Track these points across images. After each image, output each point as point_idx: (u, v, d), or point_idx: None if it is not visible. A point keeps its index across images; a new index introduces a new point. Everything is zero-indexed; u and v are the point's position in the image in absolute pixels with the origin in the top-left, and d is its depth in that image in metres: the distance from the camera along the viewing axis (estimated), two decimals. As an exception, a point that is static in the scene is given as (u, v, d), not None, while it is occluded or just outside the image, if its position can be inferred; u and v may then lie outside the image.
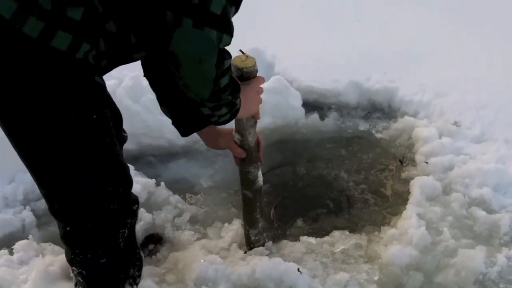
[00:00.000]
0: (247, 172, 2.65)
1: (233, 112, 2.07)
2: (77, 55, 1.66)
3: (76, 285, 2.32)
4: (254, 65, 2.34)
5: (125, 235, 2.14)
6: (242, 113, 2.18)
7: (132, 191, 2.16)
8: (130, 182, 2.11)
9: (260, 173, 2.70)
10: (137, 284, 2.32)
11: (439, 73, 4.43)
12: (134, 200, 2.16)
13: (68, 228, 2.08)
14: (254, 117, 2.47)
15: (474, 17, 5.33)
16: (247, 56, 2.35)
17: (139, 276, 2.34)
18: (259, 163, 2.67)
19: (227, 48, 1.81)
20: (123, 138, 2.59)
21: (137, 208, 2.18)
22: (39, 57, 1.63)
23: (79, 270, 2.20)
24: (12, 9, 1.55)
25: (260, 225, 2.87)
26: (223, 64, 1.79)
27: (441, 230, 2.95)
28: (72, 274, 2.31)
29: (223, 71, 1.81)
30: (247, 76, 2.32)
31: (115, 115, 2.43)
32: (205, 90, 1.83)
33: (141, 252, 2.35)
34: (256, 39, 4.80)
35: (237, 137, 2.52)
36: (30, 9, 1.56)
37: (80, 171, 1.89)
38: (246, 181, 2.70)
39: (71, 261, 2.19)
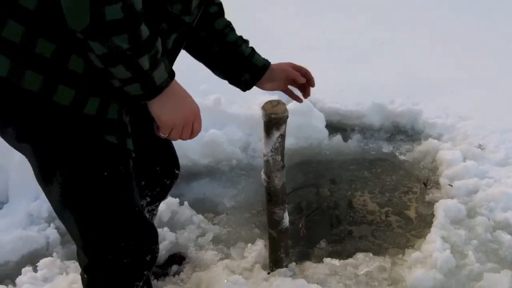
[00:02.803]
0: (272, 212, 2.68)
1: (145, 84, 1.57)
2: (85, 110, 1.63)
3: None
4: (284, 111, 2.33)
5: (139, 286, 2.09)
6: (158, 107, 1.68)
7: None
8: (145, 237, 2.01)
9: (286, 215, 2.72)
10: None
11: (463, 96, 4.43)
12: (151, 251, 2.05)
13: (84, 276, 2.06)
14: (282, 162, 2.51)
15: (497, 42, 5.34)
16: (278, 102, 2.35)
17: None
18: (286, 205, 2.69)
19: None
20: (174, 175, 2.56)
21: (153, 259, 2.08)
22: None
23: None
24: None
25: (284, 264, 2.87)
26: None
27: (466, 253, 2.91)
28: None
29: None
30: (276, 122, 2.34)
31: (166, 157, 2.47)
32: (79, 12, 1.39)
33: None
34: (279, 60, 4.83)
35: (264, 177, 2.57)
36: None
37: (89, 223, 1.86)
38: (272, 221, 2.73)
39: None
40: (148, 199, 2.50)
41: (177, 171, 2.55)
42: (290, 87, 2.40)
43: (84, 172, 1.75)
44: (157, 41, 1.55)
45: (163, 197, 2.62)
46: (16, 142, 1.72)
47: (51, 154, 1.71)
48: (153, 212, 2.59)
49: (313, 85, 2.40)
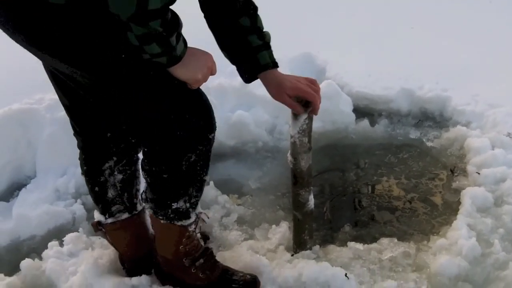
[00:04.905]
0: (298, 194, 2.68)
1: (171, 57, 1.86)
2: None
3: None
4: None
5: (191, 159, 2.18)
6: (183, 71, 1.96)
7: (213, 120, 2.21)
8: (200, 110, 2.14)
9: (311, 197, 2.73)
10: (191, 203, 2.36)
11: (493, 84, 4.37)
12: (208, 127, 2.19)
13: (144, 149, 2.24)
14: (309, 144, 2.51)
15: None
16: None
17: (196, 196, 2.37)
18: (311, 188, 2.70)
19: None
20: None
21: (213, 136, 2.24)
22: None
23: (145, 176, 2.31)
24: None
25: (308, 246, 2.89)
26: None
27: (492, 242, 2.88)
28: None
29: None
30: (304, 104, 2.35)
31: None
32: (126, 4, 1.63)
33: (205, 177, 2.36)
34: (308, 44, 4.82)
35: (290, 159, 2.57)
36: None
37: (141, 99, 2.01)
38: (297, 203, 2.73)
39: (142, 166, 2.31)
40: (115, 158, 2.51)
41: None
42: None
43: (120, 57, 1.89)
44: (179, 19, 1.84)
45: (131, 156, 2.59)
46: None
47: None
48: (126, 172, 2.58)
49: (315, 113, 2.42)
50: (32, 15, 1.76)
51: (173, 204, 2.32)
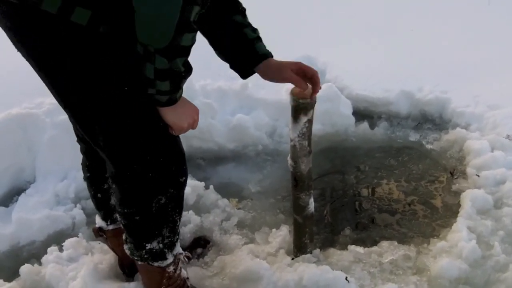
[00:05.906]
0: (298, 198, 2.69)
1: (171, 98, 1.87)
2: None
3: None
4: (313, 98, 2.34)
5: (161, 201, 2.18)
6: (173, 115, 1.97)
7: (183, 164, 2.21)
8: (174, 156, 2.15)
9: (311, 201, 2.73)
10: (164, 243, 2.34)
11: (492, 85, 4.37)
12: (179, 172, 2.20)
13: (113, 185, 2.23)
14: (309, 147, 2.50)
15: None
16: (307, 87, 2.35)
17: (170, 237, 2.36)
18: (311, 191, 2.70)
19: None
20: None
21: (185, 180, 2.24)
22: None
23: (120, 219, 2.33)
24: None
25: (308, 250, 2.88)
26: (191, 9, 1.64)
27: (492, 244, 2.88)
28: None
29: (190, 23, 1.67)
30: (304, 107, 2.34)
31: None
32: (162, 35, 1.65)
33: (177, 218, 2.35)
34: (308, 46, 4.82)
35: (290, 162, 2.57)
36: None
37: (120, 132, 1.99)
38: (297, 207, 2.74)
39: (116, 209, 2.33)
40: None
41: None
42: None
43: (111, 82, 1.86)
44: (191, 65, 1.87)
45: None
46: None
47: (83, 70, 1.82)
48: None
49: (316, 90, 2.35)
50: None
51: (147, 245, 2.32)
